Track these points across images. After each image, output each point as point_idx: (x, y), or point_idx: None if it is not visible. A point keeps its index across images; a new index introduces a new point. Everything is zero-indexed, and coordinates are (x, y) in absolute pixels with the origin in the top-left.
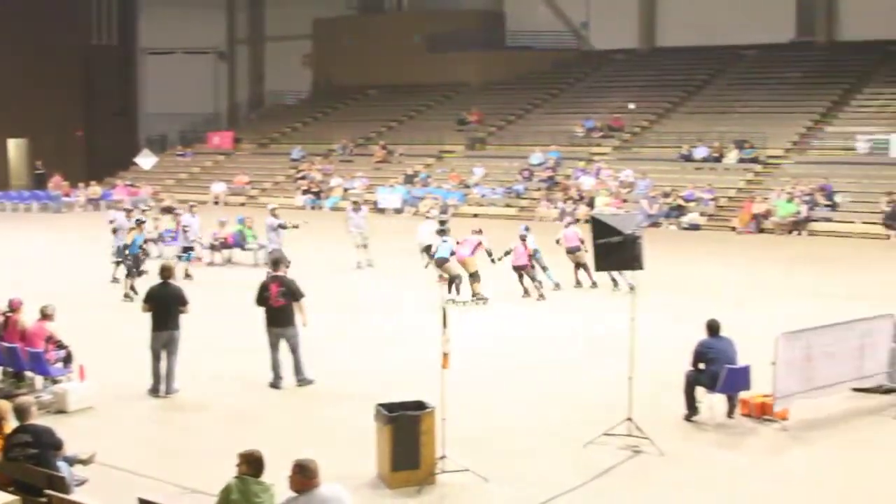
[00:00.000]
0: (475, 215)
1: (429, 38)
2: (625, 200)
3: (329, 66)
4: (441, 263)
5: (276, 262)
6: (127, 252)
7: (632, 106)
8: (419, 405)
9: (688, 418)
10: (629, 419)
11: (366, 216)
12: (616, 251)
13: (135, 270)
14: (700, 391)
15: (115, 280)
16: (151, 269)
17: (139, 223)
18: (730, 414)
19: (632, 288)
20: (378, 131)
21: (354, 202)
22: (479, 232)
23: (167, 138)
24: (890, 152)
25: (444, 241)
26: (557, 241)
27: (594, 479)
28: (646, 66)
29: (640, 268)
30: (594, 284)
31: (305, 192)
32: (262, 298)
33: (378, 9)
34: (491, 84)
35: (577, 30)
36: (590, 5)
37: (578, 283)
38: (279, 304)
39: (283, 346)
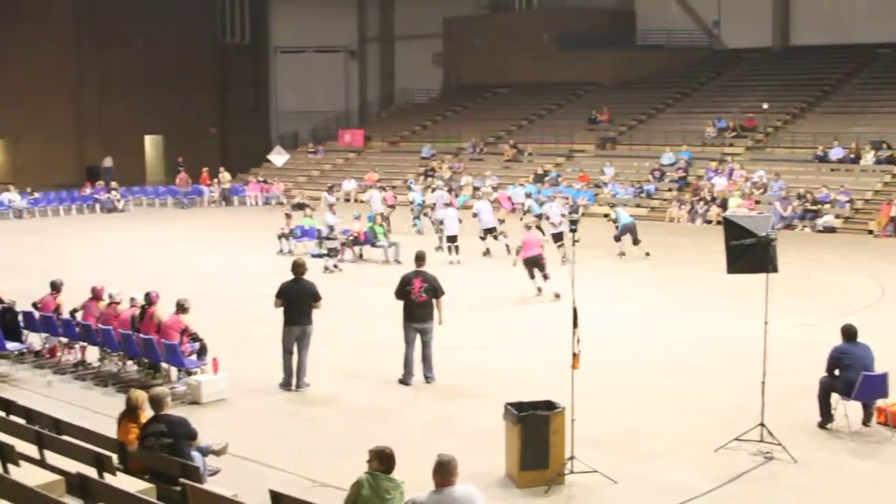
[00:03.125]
0: (605, 215)
1: (559, 37)
2: (758, 202)
3: (459, 65)
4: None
5: (420, 257)
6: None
7: (765, 106)
8: (549, 405)
9: (822, 425)
10: (761, 424)
11: None
12: (749, 253)
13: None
14: (835, 398)
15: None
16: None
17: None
18: (866, 422)
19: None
20: (508, 130)
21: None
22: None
23: (299, 136)
24: None
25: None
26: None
27: (725, 484)
28: (779, 65)
29: (774, 270)
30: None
31: (435, 190)
32: (404, 292)
33: (508, 7)
34: (621, 83)
35: (709, 28)
36: (722, 3)
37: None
38: (421, 300)
39: (418, 342)
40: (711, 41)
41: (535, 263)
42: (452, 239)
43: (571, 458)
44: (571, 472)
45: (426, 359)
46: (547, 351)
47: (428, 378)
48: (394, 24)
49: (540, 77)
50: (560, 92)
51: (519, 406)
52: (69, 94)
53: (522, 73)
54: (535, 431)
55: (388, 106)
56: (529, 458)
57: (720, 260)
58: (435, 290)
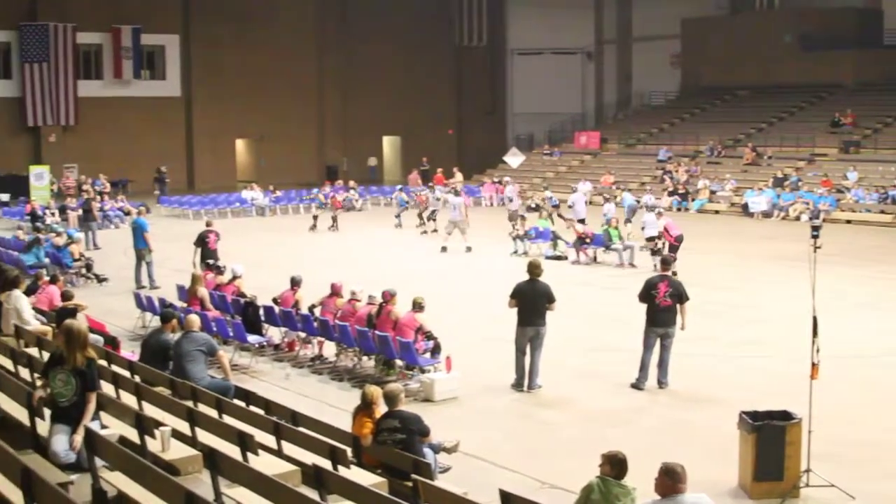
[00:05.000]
0: (848, 221)
1: (801, 37)
2: None
3: (697, 66)
4: None
5: (666, 261)
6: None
7: None
8: (785, 415)
9: None
10: None
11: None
12: None
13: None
14: None
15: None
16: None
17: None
18: None
19: None
20: (747, 133)
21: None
22: None
23: (534, 137)
24: None
25: None
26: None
27: None
28: None
29: None
30: None
31: (671, 193)
32: (649, 296)
33: (749, 7)
34: (867, 84)
35: None
36: None
37: None
38: (665, 304)
39: (656, 347)
40: None
41: (680, 241)
42: (650, 239)
43: (807, 470)
44: (807, 485)
45: (662, 363)
46: (782, 359)
47: (661, 383)
48: (631, 26)
49: (781, 78)
50: (802, 94)
51: (754, 415)
52: (311, 95)
53: (763, 74)
54: (771, 442)
55: (624, 108)
56: (764, 468)
57: None
58: (679, 296)
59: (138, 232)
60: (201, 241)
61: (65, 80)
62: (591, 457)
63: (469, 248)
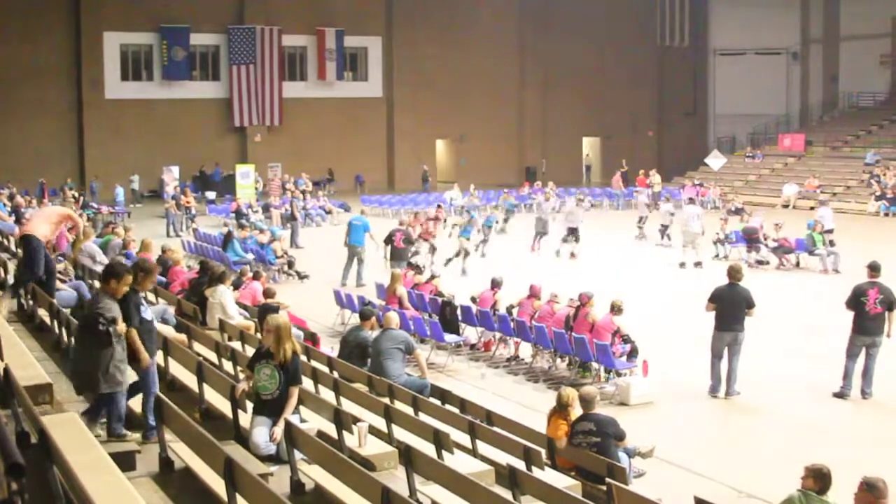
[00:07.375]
0: None
1: None
2: None
3: None
4: None
5: (875, 267)
6: None
7: None
8: None
9: None
10: None
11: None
12: None
13: None
14: None
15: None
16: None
17: None
18: None
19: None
20: None
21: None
22: None
23: (736, 139)
24: None
25: None
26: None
27: None
28: None
29: None
30: None
31: (878, 197)
32: (858, 303)
33: None
34: None
35: None
36: None
37: None
38: (875, 312)
39: (861, 355)
40: None
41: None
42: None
43: None
44: None
45: (867, 373)
46: None
47: (865, 393)
48: (839, 25)
49: None
50: None
51: None
52: (511, 96)
53: None
54: None
55: (830, 110)
56: None
57: None
58: (890, 303)
59: (360, 230)
60: (389, 240)
61: (270, 81)
62: (791, 468)
63: (698, 264)
